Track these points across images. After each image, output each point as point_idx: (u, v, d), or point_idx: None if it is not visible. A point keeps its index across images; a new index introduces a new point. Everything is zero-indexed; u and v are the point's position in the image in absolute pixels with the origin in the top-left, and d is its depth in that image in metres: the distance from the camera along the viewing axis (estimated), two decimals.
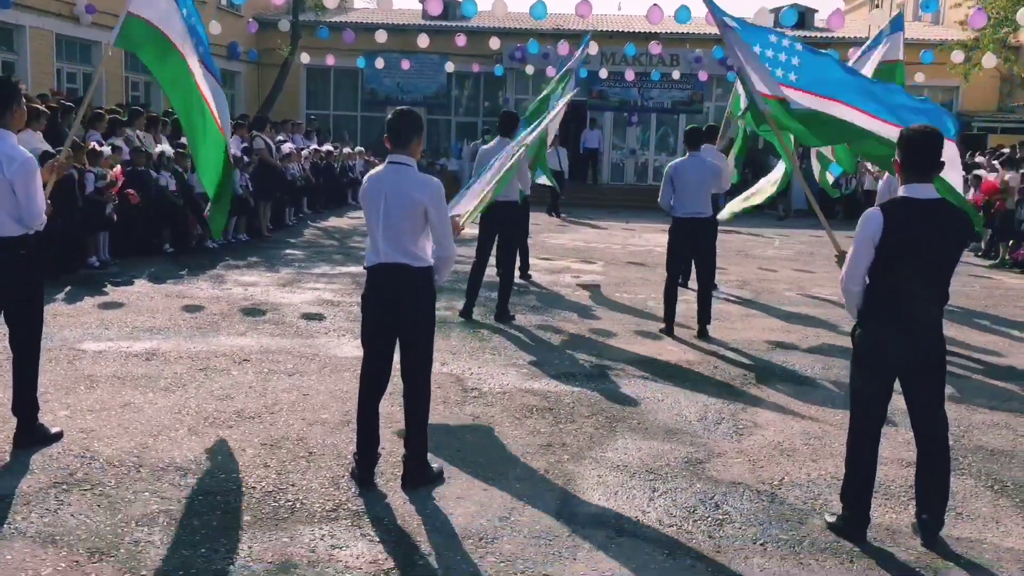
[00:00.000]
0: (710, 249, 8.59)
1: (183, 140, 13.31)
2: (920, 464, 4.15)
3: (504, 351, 7.41)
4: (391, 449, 4.86)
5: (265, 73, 26.13)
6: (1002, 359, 7.82)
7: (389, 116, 4.53)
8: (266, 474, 4.63)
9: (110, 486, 4.40)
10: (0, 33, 16.84)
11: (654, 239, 15.54)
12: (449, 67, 23.19)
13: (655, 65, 24.15)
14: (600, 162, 26.47)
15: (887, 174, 9.25)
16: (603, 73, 23.88)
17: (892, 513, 4.46)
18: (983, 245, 15.20)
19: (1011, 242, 14.15)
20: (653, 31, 23.29)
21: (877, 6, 23.11)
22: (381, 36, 20.11)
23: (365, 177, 4.62)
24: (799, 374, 7.10)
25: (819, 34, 26.90)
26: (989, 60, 19.12)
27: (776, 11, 22.56)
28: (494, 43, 21.06)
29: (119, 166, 11.00)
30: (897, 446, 5.26)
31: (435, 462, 4.75)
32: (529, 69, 23.52)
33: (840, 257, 4.67)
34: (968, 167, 17.02)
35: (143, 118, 13.13)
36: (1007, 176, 14.95)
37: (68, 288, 9.05)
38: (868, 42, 9.53)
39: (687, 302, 9.07)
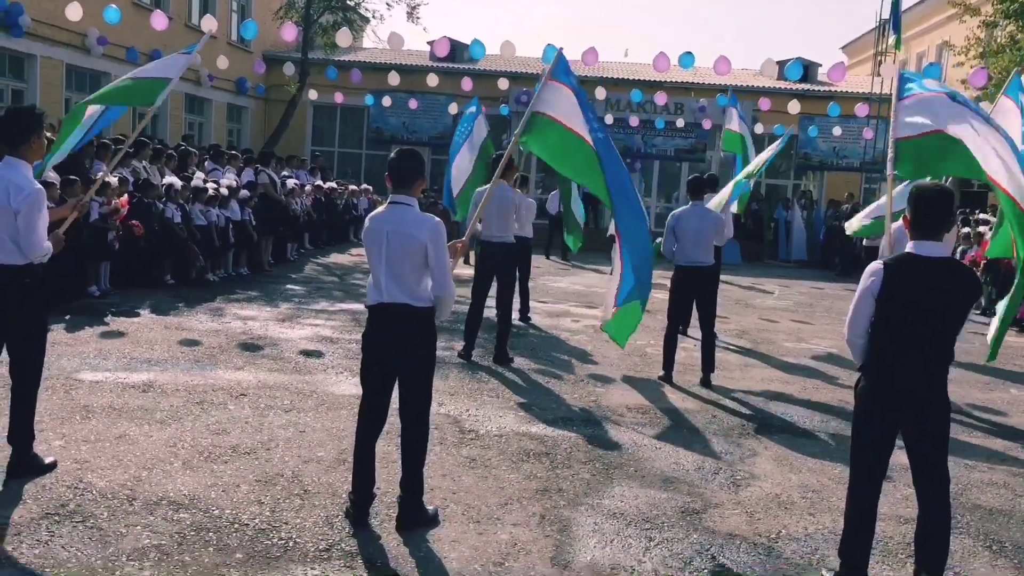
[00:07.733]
0: (712, 297, 8.61)
1: (189, 172, 13.45)
2: (920, 521, 4.11)
3: (502, 393, 7.38)
4: (386, 489, 4.82)
5: (272, 108, 26.40)
6: (1001, 417, 7.79)
7: (391, 156, 4.56)
8: (260, 511, 4.59)
9: (102, 519, 4.36)
10: (11, 62, 17.00)
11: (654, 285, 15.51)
12: (452, 108, 23.29)
13: (659, 113, 24.37)
14: (602, 207, 26.58)
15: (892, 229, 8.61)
16: (608, 119, 24.10)
17: (890, 570, 4.41)
18: (983, 302, 15.21)
19: None
20: (658, 79, 23.54)
21: (880, 62, 23.32)
22: (394, 78, 20.21)
23: (368, 216, 4.63)
24: (797, 426, 7.07)
25: (822, 87, 27.20)
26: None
27: (782, 64, 22.80)
28: (502, 84, 21.26)
29: (126, 195, 11.06)
30: (895, 502, 5.22)
31: (431, 504, 4.72)
32: None
33: None
34: (969, 224, 17.11)
35: (148, 149, 13.19)
36: None
37: (68, 317, 9.04)
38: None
39: (686, 350, 9.06)
